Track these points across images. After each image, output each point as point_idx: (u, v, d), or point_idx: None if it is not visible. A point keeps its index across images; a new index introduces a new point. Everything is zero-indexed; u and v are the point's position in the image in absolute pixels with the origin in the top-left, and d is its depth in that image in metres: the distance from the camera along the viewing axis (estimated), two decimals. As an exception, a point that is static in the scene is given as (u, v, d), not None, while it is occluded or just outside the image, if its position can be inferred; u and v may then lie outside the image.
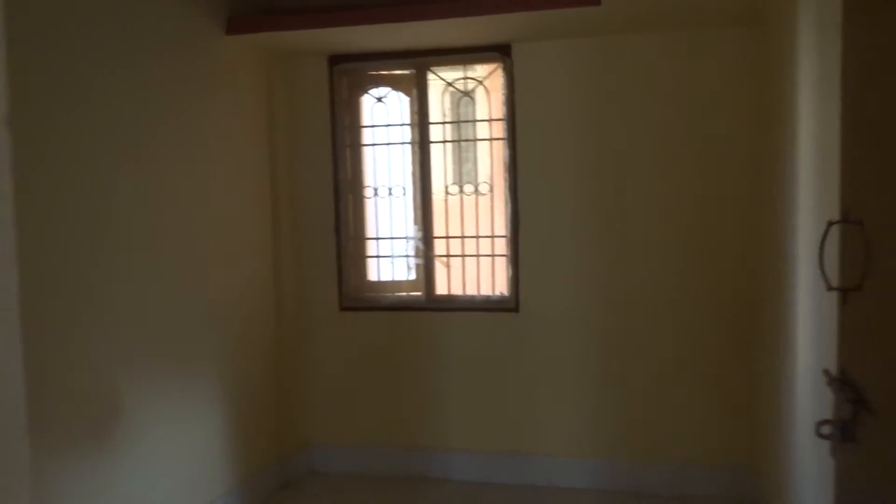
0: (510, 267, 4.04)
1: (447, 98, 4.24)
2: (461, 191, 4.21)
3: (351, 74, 4.19)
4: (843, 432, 1.21)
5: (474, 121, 4.37)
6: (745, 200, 3.68)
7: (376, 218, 4.31)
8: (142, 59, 3.01)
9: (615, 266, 3.86)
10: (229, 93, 3.66)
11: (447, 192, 4.27)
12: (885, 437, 1.13)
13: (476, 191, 4.19)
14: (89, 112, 2.73)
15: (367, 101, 4.26)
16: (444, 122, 4.30)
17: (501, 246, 4.11)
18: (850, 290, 1.22)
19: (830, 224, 1.22)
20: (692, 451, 3.82)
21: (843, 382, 1.21)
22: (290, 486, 4.08)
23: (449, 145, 4.35)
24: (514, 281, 4.01)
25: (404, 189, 4.24)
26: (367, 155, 4.28)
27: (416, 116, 4.15)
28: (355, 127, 4.25)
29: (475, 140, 4.36)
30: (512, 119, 3.97)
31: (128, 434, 2.91)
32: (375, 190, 4.27)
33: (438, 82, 4.23)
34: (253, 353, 3.86)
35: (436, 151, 4.22)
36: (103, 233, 2.80)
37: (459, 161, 4.65)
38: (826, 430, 1.23)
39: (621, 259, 3.85)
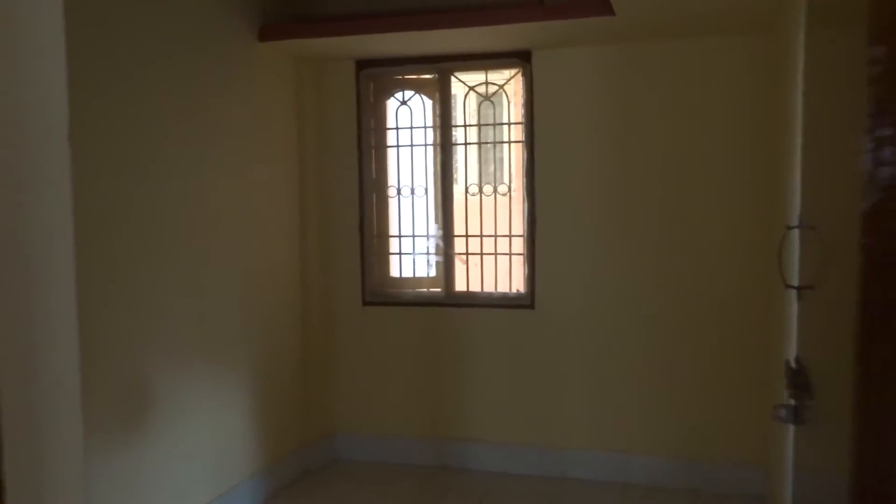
0: (526, 265, 4.19)
1: (470, 101, 4.39)
2: (480, 191, 4.37)
3: (377, 79, 4.37)
4: (794, 416, 1.35)
5: (495, 124, 4.52)
6: (754, 202, 3.77)
7: (399, 217, 4.49)
8: (182, 66, 3.22)
9: (628, 266, 3.98)
10: (262, 96, 3.87)
11: (468, 193, 4.43)
12: (826, 420, 1.26)
13: (495, 191, 4.35)
14: (137, 117, 2.95)
15: (392, 105, 4.44)
16: (465, 126, 4.46)
17: (519, 245, 4.26)
18: (804, 289, 1.35)
19: (788, 228, 1.35)
20: (705, 447, 3.93)
21: (795, 371, 1.35)
22: (313, 472, 4.28)
23: (471, 147, 4.50)
24: (531, 279, 4.16)
25: (426, 189, 4.41)
26: (391, 156, 4.46)
27: (438, 119, 4.32)
28: (380, 129, 4.43)
29: (495, 142, 4.52)
30: (531, 123, 4.11)
31: (161, 418, 3.13)
32: (398, 190, 4.45)
33: (461, 86, 4.39)
34: (280, 344, 4.06)
35: (458, 153, 4.39)
36: (149, 232, 3.02)
37: (481, 162, 4.81)
38: (781, 413, 1.37)
39: (634, 259, 3.97)
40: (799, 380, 1.32)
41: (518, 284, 4.27)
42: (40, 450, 0.96)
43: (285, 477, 4.10)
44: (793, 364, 1.40)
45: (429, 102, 4.39)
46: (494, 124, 4.52)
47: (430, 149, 4.38)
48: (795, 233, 1.36)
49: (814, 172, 1.41)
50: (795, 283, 1.41)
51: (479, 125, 4.52)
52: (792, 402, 1.33)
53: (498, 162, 4.73)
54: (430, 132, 4.38)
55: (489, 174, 4.60)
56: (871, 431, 0.64)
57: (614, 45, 3.93)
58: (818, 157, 1.40)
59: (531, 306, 4.15)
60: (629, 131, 3.96)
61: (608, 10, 3.37)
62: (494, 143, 4.53)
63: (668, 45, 3.86)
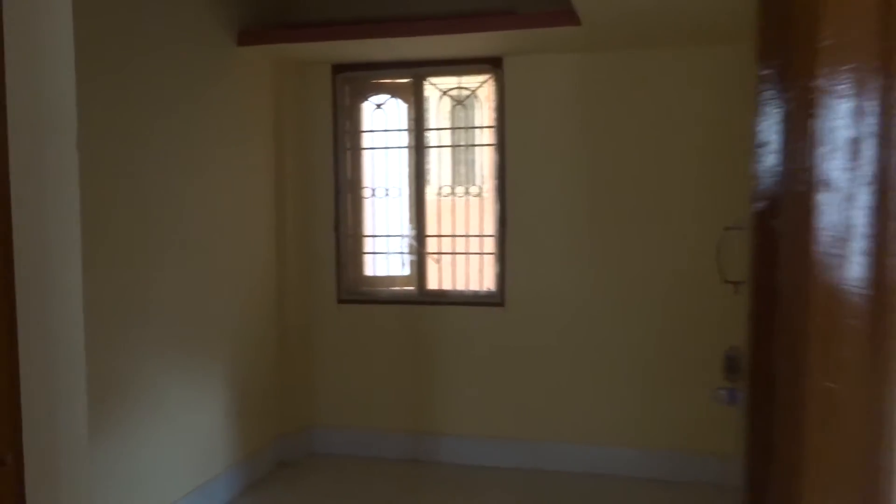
0: (497, 264, 4.34)
1: (444, 105, 4.53)
2: (453, 192, 4.51)
3: (352, 82, 4.49)
4: (730, 397, 1.50)
5: (468, 127, 4.67)
6: (711, 205, 3.95)
7: (374, 217, 4.62)
8: (161, 69, 3.32)
9: (595, 265, 4.15)
10: (240, 99, 3.97)
11: (441, 194, 4.56)
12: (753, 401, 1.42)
13: (467, 193, 4.49)
14: (115, 118, 3.05)
15: (368, 108, 4.56)
16: (439, 129, 4.59)
17: (490, 245, 4.40)
18: (739, 283, 1.51)
19: (725, 229, 1.51)
20: (672, 438, 4.11)
21: (730, 358, 1.51)
22: (290, 464, 4.39)
23: (444, 149, 4.64)
24: (501, 277, 4.31)
25: (400, 190, 4.54)
26: (367, 158, 4.58)
27: (412, 122, 4.45)
28: (356, 131, 4.55)
29: (468, 145, 4.66)
30: (502, 126, 4.26)
31: (141, 412, 3.22)
32: (373, 190, 4.57)
33: (435, 90, 4.53)
34: (257, 341, 4.17)
35: (432, 155, 4.52)
36: (128, 232, 3.11)
37: (454, 164, 4.94)
38: (718, 395, 1.53)
39: (600, 258, 4.14)
40: (733, 365, 1.48)
41: (489, 283, 4.42)
42: (55, 420, 1.08)
43: (262, 469, 4.20)
44: (729, 352, 1.56)
45: (403, 106, 4.52)
46: (467, 128, 4.67)
47: (405, 151, 4.51)
48: (732, 233, 1.52)
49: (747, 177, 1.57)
50: (731, 279, 1.57)
51: (452, 128, 4.67)
52: (728, 385, 1.49)
53: (470, 164, 4.87)
54: (404, 135, 4.51)
55: (461, 176, 4.74)
56: (760, 394, 0.78)
57: (581, 53, 4.10)
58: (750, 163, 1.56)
59: (501, 304, 4.30)
60: (595, 136, 4.12)
61: (575, 21, 3.53)
62: (467, 145, 4.67)
63: (632, 53, 4.03)
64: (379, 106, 4.53)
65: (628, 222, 4.10)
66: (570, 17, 3.52)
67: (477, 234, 4.46)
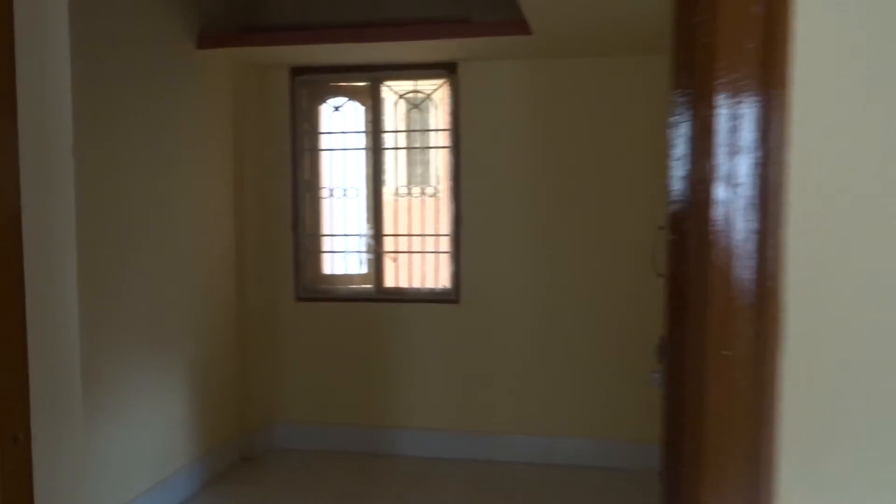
0: (452, 262, 4.49)
1: (400, 108, 4.66)
2: (409, 193, 4.65)
3: (311, 85, 4.60)
4: (662, 381, 1.68)
5: (423, 130, 4.82)
6: (654, 202, 4.17)
7: (332, 216, 4.73)
8: (120, 70, 3.38)
9: (546, 262, 4.34)
10: (199, 101, 4.04)
11: (398, 194, 4.70)
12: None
13: (423, 193, 4.64)
14: (74, 118, 3.10)
15: (326, 110, 4.67)
16: (395, 131, 4.73)
17: (445, 244, 4.56)
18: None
19: (659, 228, 1.68)
20: (620, 427, 4.32)
21: (662, 344, 1.68)
22: (251, 459, 4.47)
23: (401, 151, 4.77)
24: (456, 275, 4.47)
25: (358, 190, 4.66)
26: (325, 159, 4.69)
27: (370, 124, 4.58)
28: (314, 133, 4.66)
29: (424, 147, 4.81)
30: (457, 129, 4.42)
31: (103, 407, 3.28)
32: (331, 191, 4.69)
33: (392, 93, 4.66)
34: (218, 338, 4.24)
35: (389, 156, 4.66)
36: (89, 229, 3.17)
37: (410, 165, 5.08)
38: (653, 378, 1.70)
39: (551, 256, 4.33)
40: (665, 351, 1.66)
41: (444, 280, 4.58)
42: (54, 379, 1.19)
43: (224, 465, 4.28)
44: (662, 338, 1.74)
45: (361, 108, 4.64)
46: (423, 130, 4.82)
47: (362, 152, 4.63)
48: (663, 232, 1.70)
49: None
50: (663, 273, 1.75)
51: (408, 131, 4.81)
52: (660, 369, 1.67)
53: (426, 165, 5.01)
54: (362, 136, 4.63)
55: (418, 177, 4.89)
56: (674, 369, 0.95)
57: (533, 60, 4.28)
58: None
59: (457, 301, 4.46)
60: (546, 139, 4.31)
61: (526, 30, 3.70)
62: (423, 147, 4.81)
63: (581, 61, 4.23)
64: (337, 108, 4.65)
65: (576, 222, 4.31)
66: (521, 26, 3.69)
67: (433, 233, 4.61)
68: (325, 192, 4.69)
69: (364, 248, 4.65)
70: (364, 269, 4.67)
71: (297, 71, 4.53)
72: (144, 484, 3.59)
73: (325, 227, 4.71)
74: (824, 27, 0.87)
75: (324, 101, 4.66)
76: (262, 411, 4.62)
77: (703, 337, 0.89)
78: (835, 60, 0.87)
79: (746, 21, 0.85)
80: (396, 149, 4.70)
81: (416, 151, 4.89)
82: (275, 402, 4.66)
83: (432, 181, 4.86)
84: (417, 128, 4.94)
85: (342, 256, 4.75)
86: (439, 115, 4.66)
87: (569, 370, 4.36)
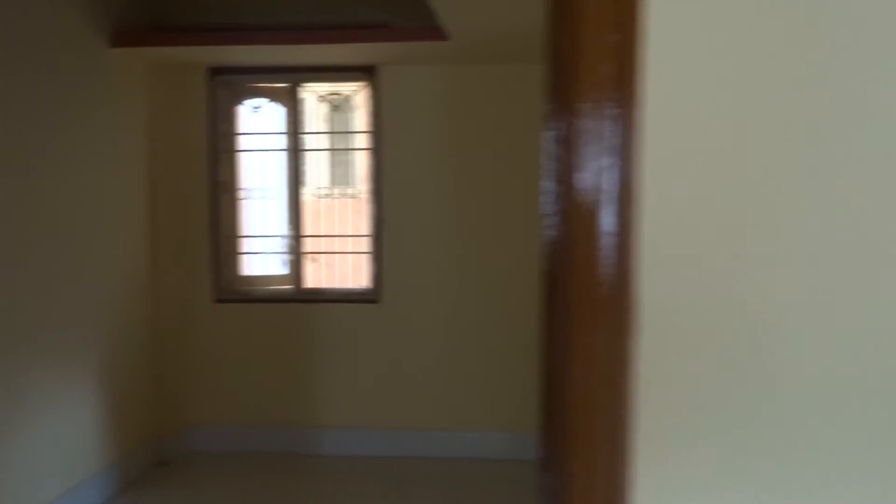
0: (373, 262, 4.55)
1: (322, 109, 4.69)
2: (331, 194, 4.69)
3: (229, 86, 4.57)
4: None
5: (344, 132, 4.86)
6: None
7: (251, 218, 4.72)
8: (28, 70, 3.30)
9: (461, 262, 4.45)
10: (112, 101, 3.97)
11: (319, 195, 4.73)
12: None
13: (345, 194, 4.68)
14: (-19, 117, 3.02)
15: (245, 111, 4.65)
16: (316, 133, 4.75)
17: (366, 244, 4.61)
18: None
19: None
20: (533, 421, 4.46)
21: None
22: (167, 464, 4.41)
23: (323, 152, 4.80)
24: (377, 275, 4.53)
25: (278, 191, 4.67)
26: (245, 160, 4.67)
27: (289, 126, 4.59)
28: (232, 134, 4.64)
29: (345, 149, 4.85)
30: (377, 131, 4.48)
31: (9, 414, 3.20)
32: (251, 192, 4.67)
33: (315, 93, 4.69)
34: (130, 341, 4.17)
35: (311, 157, 4.68)
36: (1, 232, 3.09)
37: (332, 167, 5.12)
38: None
39: (466, 256, 4.45)
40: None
41: (365, 281, 4.63)
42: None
43: (137, 470, 4.21)
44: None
45: (281, 109, 4.65)
46: (343, 132, 4.86)
47: (282, 153, 4.64)
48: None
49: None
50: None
51: (329, 132, 4.84)
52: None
53: (346, 166, 5.06)
54: (282, 137, 4.63)
55: (340, 178, 4.93)
56: (549, 356, 1.05)
57: (451, 65, 4.39)
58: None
59: (377, 300, 4.52)
60: (460, 143, 4.43)
61: (442, 37, 3.80)
62: (345, 149, 4.86)
63: (495, 68, 4.36)
64: (256, 109, 4.64)
65: (489, 222, 4.44)
66: (438, 32, 3.78)
67: (354, 233, 4.65)
68: (243, 194, 4.67)
69: (284, 249, 4.66)
70: (284, 270, 4.68)
71: (216, 71, 4.50)
72: (54, 492, 3.51)
73: (244, 229, 4.70)
74: (673, 53, 0.98)
75: (242, 102, 4.64)
76: (178, 415, 4.56)
77: (571, 324, 0.99)
78: (682, 83, 0.99)
79: (603, 47, 0.95)
80: (316, 150, 4.72)
81: (340, 153, 4.93)
82: (192, 404, 4.62)
83: (355, 182, 4.91)
84: (341, 129, 4.97)
85: (262, 258, 4.74)
86: (362, 117, 4.71)
87: (484, 366, 4.49)
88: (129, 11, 4.08)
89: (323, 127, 4.95)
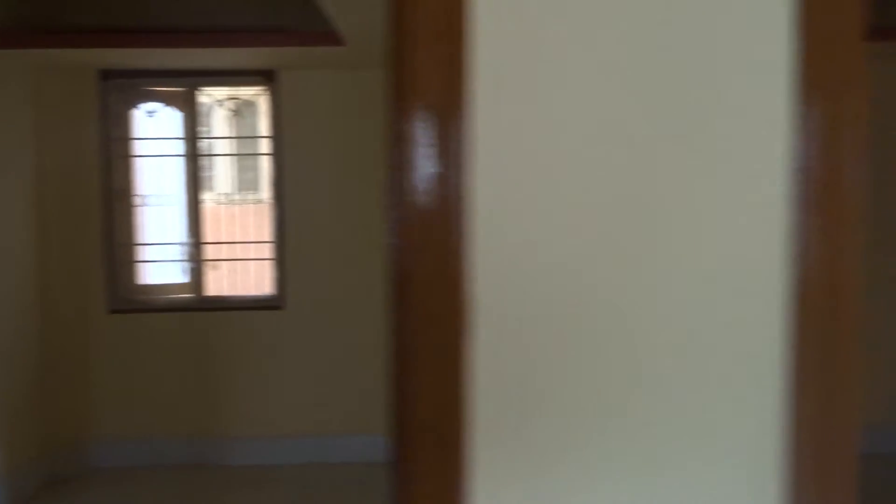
0: (276, 268, 4.51)
1: (222, 114, 4.62)
2: (233, 200, 4.62)
3: (122, 89, 4.45)
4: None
5: (245, 137, 4.80)
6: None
7: (149, 225, 4.60)
8: None
9: (363, 266, 4.47)
10: (-7, 104, 3.81)
11: (221, 201, 4.66)
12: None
13: (247, 200, 4.62)
14: None
15: (140, 115, 4.54)
16: (215, 137, 4.68)
17: (269, 250, 4.57)
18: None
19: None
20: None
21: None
22: (61, 480, 4.24)
23: (228, 157, 4.73)
24: (280, 281, 4.49)
25: (176, 198, 4.57)
26: (139, 166, 4.55)
27: (188, 131, 4.50)
28: (126, 139, 4.51)
29: (247, 154, 4.79)
30: (279, 136, 4.45)
31: None
32: (147, 198, 4.56)
33: (213, 98, 4.61)
34: (17, 353, 4.00)
35: (217, 162, 4.60)
36: None
37: (237, 172, 5.04)
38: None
39: (366, 260, 4.47)
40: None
41: (267, 287, 4.59)
42: None
43: (28, 486, 4.04)
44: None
45: (178, 114, 4.55)
46: (244, 137, 4.80)
47: (180, 159, 4.54)
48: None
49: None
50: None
51: (229, 137, 4.77)
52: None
53: (253, 171, 5.00)
54: (180, 142, 4.54)
55: (244, 183, 4.87)
56: (395, 355, 1.09)
57: (350, 71, 4.40)
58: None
59: (280, 307, 4.49)
60: (360, 147, 4.44)
61: (339, 42, 3.81)
62: (246, 154, 4.79)
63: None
64: (151, 114, 4.53)
65: (377, 229, 4.46)
66: (335, 37, 3.79)
67: (258, 239, 4.60)
68: (140, 200, 4.55)
69: (184, 257, 4.56)
70: (185, 278, 4.58)
71: (107, 74, 4.37)
72: (-67, 515, 3.33)
73: (142, 236, 4.57)
74: (500, 62, 1.04)
75: (136, 106, 4.52)
76: (72, 428, 4.40)
77: (408, 331, 1.04)
78: (509, 91, 1.05)
79: (433, 56, 1.00)
80: (218, 155, 4.65)
81: (244, 158, 4.86)
82: (90, 418, 4.46)
83: (260, 188, 4.85)
84: (245, 134, 4.91)
85: (161, 266, 4.62)
86: (263, 122, 4.66)
87: (375, 369, 4.52)
88: (12, 11, 3.92)
89: (229, 132, 4.88)
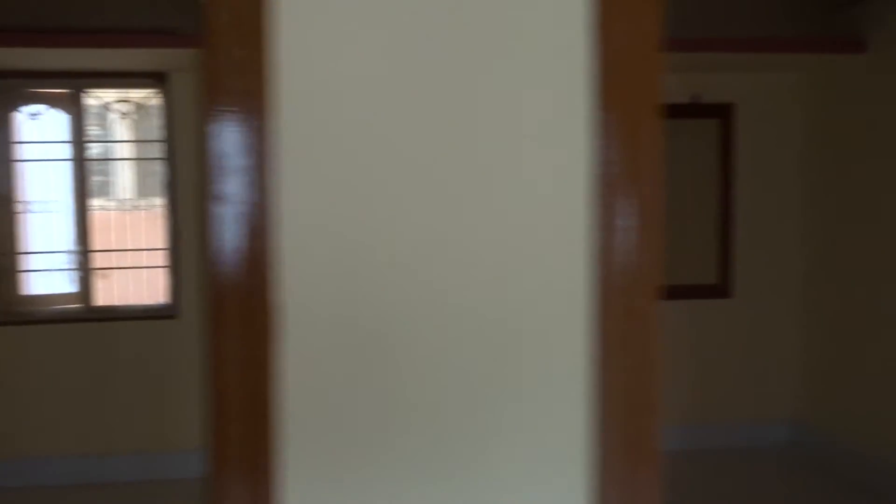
0: (170, 277, 4.38)
1: (108, 117, 4.46)
2: (124, 205, 4.46)
3: (3, 90, 4.24)
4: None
5: (140, 141, 4.64)
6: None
7: (34, 233, 4.39)
8: None
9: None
10: None
11: (113, 207, 4.49)
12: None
13: (139, 206, 4.47)
14: None
15: (22, 118, 4.33)
16: (108, 141, 4.51)
17: (163, 258, 4.43)
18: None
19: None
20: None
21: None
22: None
23: (114, 162, 4.56)
24: (175, 290, 4.36)
25: (62, 204, 4.38)
26: (21, 171, 4.34)
27: (74, 134, 4.32)
28: (8, 142, 4.29)
29: (144, 159, 4.64)
30: (171, 140, 4.32)
31: None
32: (32, 205, 4.35)
33: (100, 100, 4.45)
34: None
35: (107, 167, 4.43)
36: None
37: (139, 177, 4.87)
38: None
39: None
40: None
41: (161, 296, 4.44)
42: None
43: None
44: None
45: (64, 116, 4.37)
46: (141, 141, 4.64)
47: (67, 163, 4.36)
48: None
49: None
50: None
51: (127, 141, 4.60)
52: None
53: (155, 176, 4.84)
54: (67, 146, 4.35)
55: (145, 188, 4.71)
56: (213, 371, 1.06)
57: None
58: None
59: (174, 316, 4.35)
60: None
61: (229, 44, 3.73)
62: (143, 158, 4.64)
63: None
64: (34, 116, 4.33)
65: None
66: (224, 40, 3.71)
67: (148, 247, 4.46)
68: (22, 207, 4.34)
69: (72, 265, 4.37)
70: (72, 288, 4.39)
71: (-15, 75, 4.16)
72: None
73: (25, 245, 4.36)
74: (300, 65, 1.03)
75: (19, 108, 4.32)
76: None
77: (218, 340, 1.01)
78: (311, 94, 1.04)
79: (230, 61, 0.98)
80: (109, 160, 4.49)
81: (149, 162, 4.71)
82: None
83: (157, 193, 4.70)
84: (141, 138, 4.75)
85: (46, 275, 4.42)
86: (151, 126, 4.52)
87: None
88: None
89: (128, 135, 4.71)
